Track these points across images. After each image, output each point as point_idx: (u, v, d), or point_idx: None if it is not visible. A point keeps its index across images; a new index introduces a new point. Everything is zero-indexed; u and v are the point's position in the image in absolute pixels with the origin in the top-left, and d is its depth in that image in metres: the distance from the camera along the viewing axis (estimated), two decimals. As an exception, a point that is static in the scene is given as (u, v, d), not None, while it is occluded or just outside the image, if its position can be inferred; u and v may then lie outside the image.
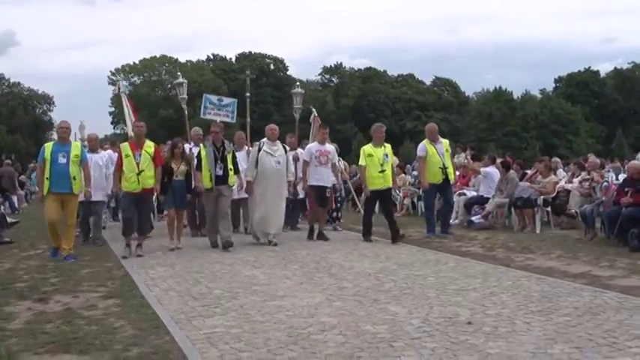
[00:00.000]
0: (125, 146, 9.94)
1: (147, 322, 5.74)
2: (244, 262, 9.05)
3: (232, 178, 10.45)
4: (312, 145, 11.54)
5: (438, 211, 12.20)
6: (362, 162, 11.05)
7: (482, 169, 13.80)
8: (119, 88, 14.20)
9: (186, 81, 14.09)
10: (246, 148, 12.24)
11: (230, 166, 10.39)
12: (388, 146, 11.22)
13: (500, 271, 8.02)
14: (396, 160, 14.26)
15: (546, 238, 11.16)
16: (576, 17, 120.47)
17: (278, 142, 11.00)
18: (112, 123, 73.50)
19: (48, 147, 9.40)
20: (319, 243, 10.86)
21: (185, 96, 13.63)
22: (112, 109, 72.27)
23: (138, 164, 9.64)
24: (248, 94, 14.37)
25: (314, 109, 14.94)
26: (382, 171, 10.81)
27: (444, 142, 11.54)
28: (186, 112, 13.79)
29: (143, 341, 5.16)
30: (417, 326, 5.43)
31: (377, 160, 10.82)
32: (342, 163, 13.85)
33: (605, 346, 4.79)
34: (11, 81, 68.46)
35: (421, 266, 8.46)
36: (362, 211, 14.83)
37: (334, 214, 12.84)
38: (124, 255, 9.50)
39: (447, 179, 11.42)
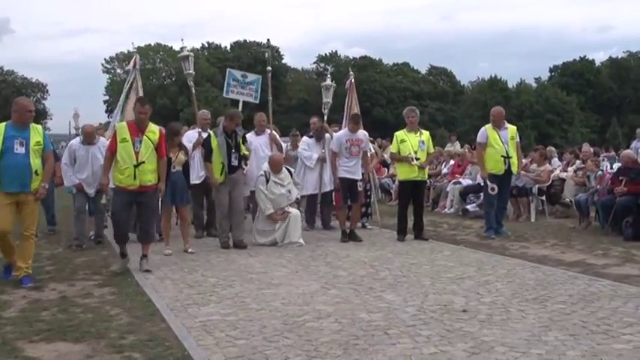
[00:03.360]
0: (122, 127, 7.67)
1: (142, 310, 5.75)
2: (239, 250, 9.04)
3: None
4: (342, 134, 10.17)
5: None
6: (393, 148, 10.18)
7: None
8: (135, 64, 11.27)
9: (192, 54, 11.71)
10: (268, 131, 11.00)
11: (244, 152, 9.46)
12: (426, 133, 10.12)
13: (495, 260, 8.06)
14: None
15: (541, 226, 11.20)
16: (571, 5, 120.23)
17: (283, 168, 9.88)
18: (106, 111, 73.31)
19: None
20: (315, 231, 10.81)
21: (192, 71, 11.38)
22: (107, 97, 72.03)
23: (137, 154, 7.43)
24: (269, 68, 12.40)
25: (351, 74, 12.93)
26: (416, 159, 9.78)
27: (510, 129, 10.25)
28: (193, 89, 11.78)
29: (139, 329, 5.18)
30: (412, 314, 5.46)
31: (410, 147, 9.79)
32: (372, 147, 12.28)
33: (599, 333, 4.83)
34: (5, 69, 68.13)
35: (416, 255, 8.48)
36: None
37: (363, 209, 11.32)
38: (117, 268, 7.61)
39: (509, 171, 10.10)
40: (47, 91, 71.21)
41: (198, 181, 10.19)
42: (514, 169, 10.20)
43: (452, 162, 15.70)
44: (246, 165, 9.70)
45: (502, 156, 9.99)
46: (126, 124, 7.78)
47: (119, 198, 7.68)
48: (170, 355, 4.51)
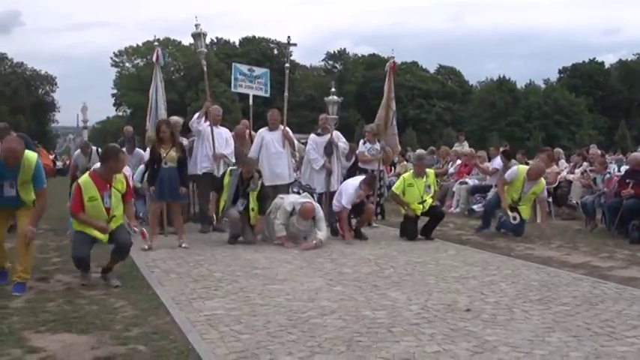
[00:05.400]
0: (87, 183, 6.51)
1: (147, 303, 5.78)
2: (245, 245, 9.07)
3: (253, 219, 9.26)
4: (355, 192, 9.52)
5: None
6: (397, 190, 9.96)
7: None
8: (157, 57, 11.00)
9: (205, 32, 10.99)
10: (282, 127, 10.89)
11: (252, 205, 9.24)
12: (432, 175, 10.15)
13: (500, 260, 8.05)
14: (398, 148, 12.96)
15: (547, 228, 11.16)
16: (579, 7, 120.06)
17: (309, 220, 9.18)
18: (114, 105, 73.57)
19: None
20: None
21: (204, 49, 10.82)
22: (115, 90, 72.21)
23: (108, 210, 6.53)
24: (287, 65, 12.05)
25: (394, 56, 12.13)
26: (422, 202, 9.81)
27: (539, 185, 10.06)
28: (205, 68, 11.05)
29: (143, 321, 5.20)
30: (416, 312, 5.46)
31: (417, 192, 9.80)
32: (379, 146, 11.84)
33: (603, 335, 4.82)
34: (14, 61, 68.36)
35: (421, 253, 8.48)
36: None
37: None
38: (117, 282, 6.58)
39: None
40: (56, 84, 71.51)
41: (199, 173, 10.38)
42: (524, 214, 10.14)
43: (458, 162, 15.68)
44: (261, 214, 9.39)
45: (513, 200, 10.05)
46: (90, 178, 6.59)
47: (82, 239, 6.53)
48: (174, 349, 4.53)
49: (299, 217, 9.13)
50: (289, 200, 9.27)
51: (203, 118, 10.57)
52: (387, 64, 12.05)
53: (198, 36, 10.90)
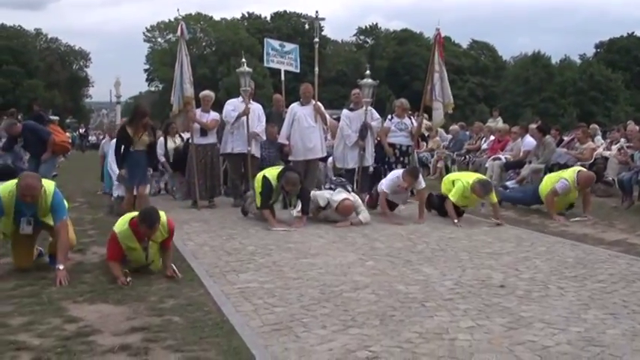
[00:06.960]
0: (127, 235, 5.90)
1: (182, 275, 5.83)
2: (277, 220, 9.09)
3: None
4: (397, 181, 9.25)
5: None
6: (454, 197, 9.11)
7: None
8: (182, 31, 10.79)
9: (250, 70, 11.03)
10: (313, 102, 10.81)
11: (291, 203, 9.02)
12: (492, 197, 9.16)
13: (534, 236, 7.97)
14: (438, 121, 12.45)
15: (582, 204, 10.98)
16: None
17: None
18: (146, 80, 74.03)
19: (8, 204, 5.70)
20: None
21: (248, 88, 10.69)
22: (147, 66, 72.57)
23: (147, 256, 6.06)
24: (317, 40, 11.97)
25: (439, 27, 11.34)
26: (464, 205, 9.42)
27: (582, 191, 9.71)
28: (248, 105, 10.60)
29: (178, 293, 5.27)
30: (450, 287, 5.44)
31: (469, 203, 9.37)
32: (414, 120, 11.68)
33: (641, 313, 4.75)
34: (49, 37, 69.03)
35: (454, 229, 8.43)
36: None
37: None
38: None
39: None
40: (90, 59, 72.00)
41: (229, 151, 10.61)
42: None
43: (492, 137, 15.52)
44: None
45: (566, 203, 9.77)
46: (130, 229, 5.93)
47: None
48: (209, 320, 4.58)
49: (335, 213, 8.96)
50: (323, 195, 9.06)
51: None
52: (433, 35, 11.59)
53: (242, 74, 10.85)
